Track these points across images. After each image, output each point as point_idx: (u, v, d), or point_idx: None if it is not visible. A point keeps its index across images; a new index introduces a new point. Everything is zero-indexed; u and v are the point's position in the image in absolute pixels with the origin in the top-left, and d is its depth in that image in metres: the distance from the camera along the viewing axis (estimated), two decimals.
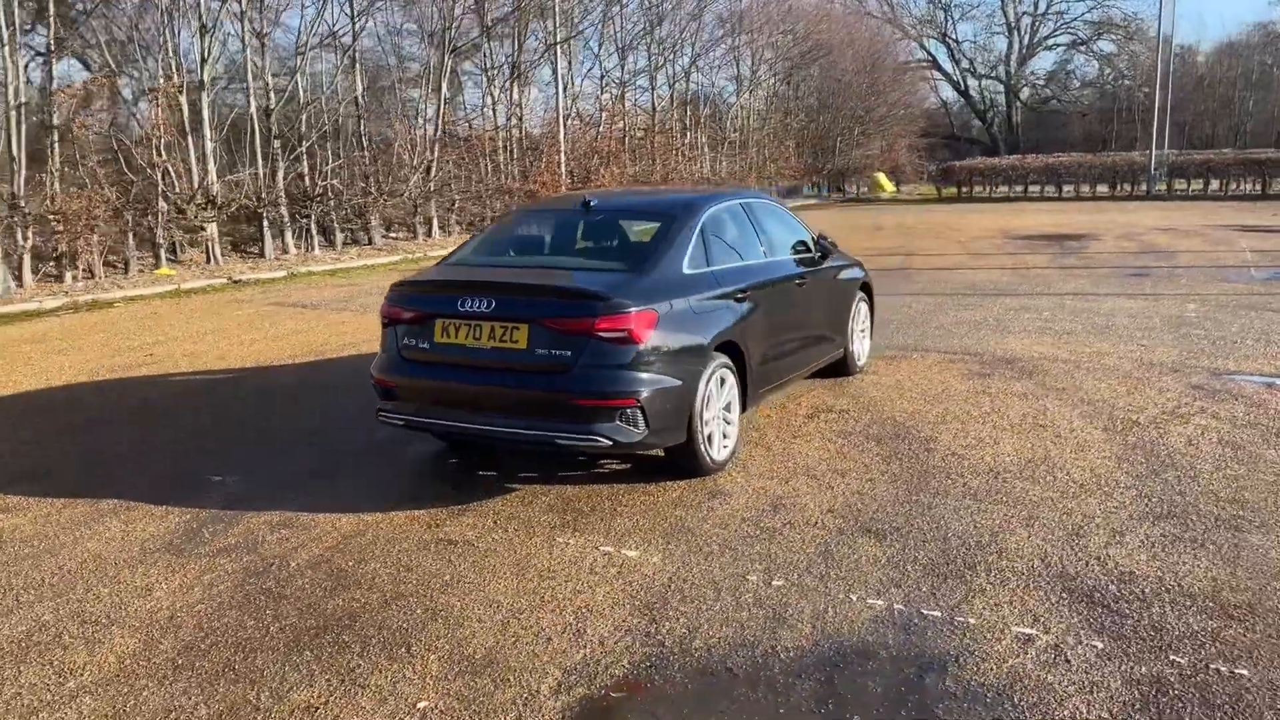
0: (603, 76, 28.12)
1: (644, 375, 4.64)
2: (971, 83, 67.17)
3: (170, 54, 15.77)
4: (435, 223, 21.08)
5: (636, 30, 29.36)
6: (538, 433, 4.69)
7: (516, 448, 5.44)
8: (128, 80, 15.88)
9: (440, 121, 20.74)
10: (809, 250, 6.64)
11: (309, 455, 5.80)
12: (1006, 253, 17.54)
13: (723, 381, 5.23)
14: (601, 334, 4.56)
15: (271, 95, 17.65)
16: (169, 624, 3.65)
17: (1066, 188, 39.08)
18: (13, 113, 13.48)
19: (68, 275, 14.25)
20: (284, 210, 17.29)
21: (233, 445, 6.05)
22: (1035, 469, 5.19)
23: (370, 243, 19.33)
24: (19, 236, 13.58)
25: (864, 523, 4.50)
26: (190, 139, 15.89)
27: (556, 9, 23.90)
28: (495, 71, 23.31)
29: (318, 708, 3.06)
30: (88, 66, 17.41)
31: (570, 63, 27.66)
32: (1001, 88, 66.58)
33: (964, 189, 42.75)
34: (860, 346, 7.58)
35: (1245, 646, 3.29)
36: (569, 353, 4.60)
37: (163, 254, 15.61)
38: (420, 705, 3.06)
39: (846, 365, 7.34)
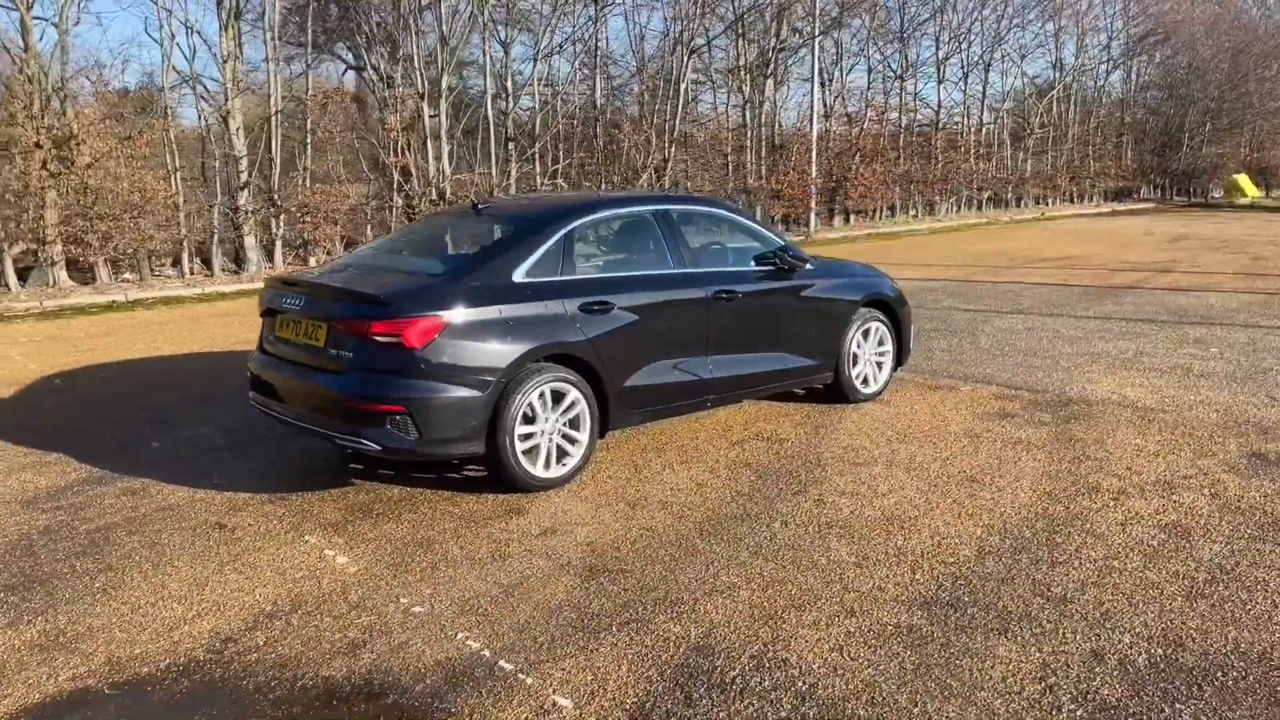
0: (870, 70, 26.90)
1: (419, 382, 4.58)
2: None
3: (413, 61, 17.50)
4: None
5: (921, 16, 27.72)
6: (324, 431, 4.81)
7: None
8: (374, 85, 17.82)
9: (676, 121, 21.06)
10: (771, 265, 6.08)
11: (252, 431, 6.32)
12: None
13: (559, 396, 5.00)
14: (376, 337, 4.57)
15: (509, 99, 18.99)
16: None
17: None
18: (274, 117, 15.73)
19: (311, 260, 16.39)
20: None
21: (213, 416, 6.74)
22: (879, 530, 4.42)
23: None
24: (272, 226, 15.86)
25: (603, 561, 4.13)
26: (429, 140, 17.56)
27: (817, 2, 23.26)
28: (744, 68, 23.19)
29: None
30: (358, 71, 19.77)
31: (840, 53, 26.79)
32: None
33: None
34: (871, 372, 6.77)
35: None
36: (350, 354, 4.66)
37: None
38: None
39: (841, 391, 6.61)
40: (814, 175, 23.58)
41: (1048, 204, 33.18)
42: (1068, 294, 12.54)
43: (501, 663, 3.31)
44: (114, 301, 13.16)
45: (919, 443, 5.79)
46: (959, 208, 29.99)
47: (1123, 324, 9.99)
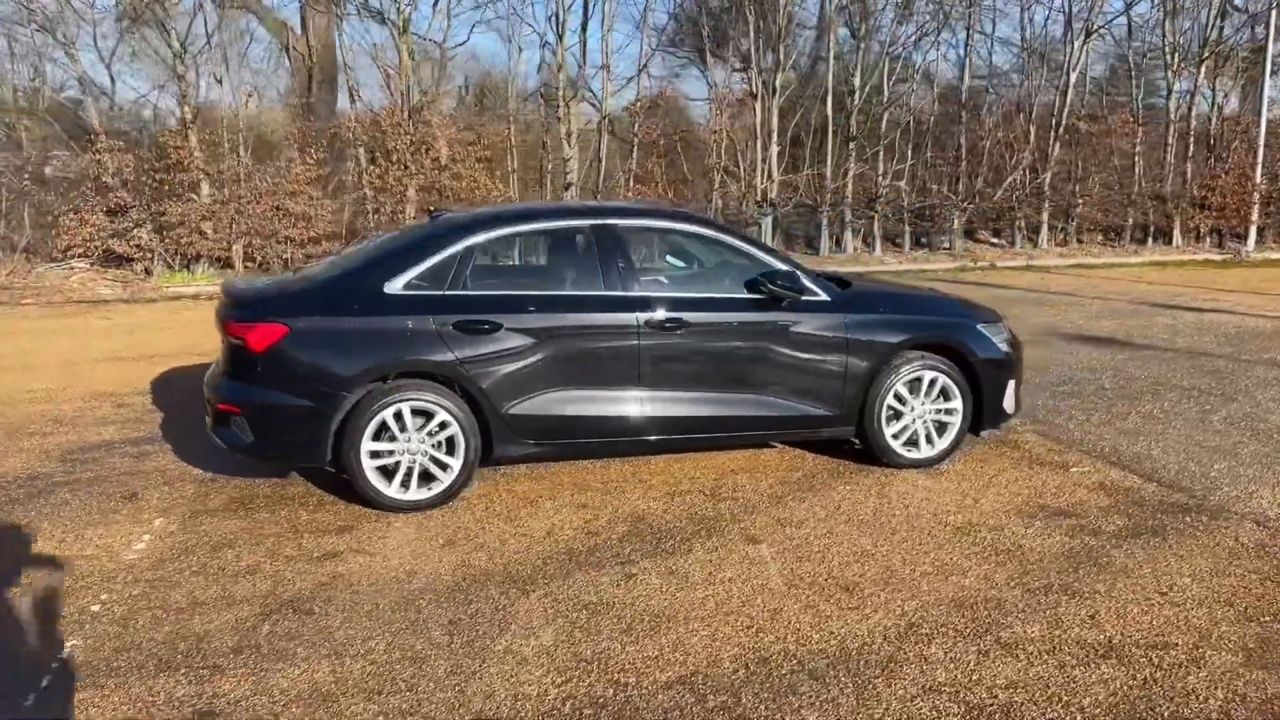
0: None
1: (255, 387, 4.65)
2: None
3: (749, 60, 17.31)
4: (1044, 229, 18.81)
5: None
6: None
7: None
8: (711, 85, 17.92)
9: (1063, 114, 18.33)
10: (759, 292, 5.16)
11: None
12: None
13: (428, 416, 4.77)
14: (232, 340, 4.74)
15: (855, 95, 17.95)
16: None
17: None
18: (602, 121, 16.65)
19: None
20: (846, 210, 17.61)
21: None
22: (632, 626, 3.60)
23: (948, 247, 18.33)
24: None
25: (310, 601, 3.89)
26: (758, 140, 17.33)
27: None
28: (1171, 49, 19.39)
29: None
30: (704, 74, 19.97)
31: None
32: None
33: None
34: (927, 432, 5.44)
35: None
36: (225, 355, 4.88)
37: None
38: None
39: (872, 451, 5.42)
40: (1258, 180, 19.11)
41: None
42: None
43: (44, 681, 3.30)
44: None
45: (870, 530, 4.55)
46: None
47: None
